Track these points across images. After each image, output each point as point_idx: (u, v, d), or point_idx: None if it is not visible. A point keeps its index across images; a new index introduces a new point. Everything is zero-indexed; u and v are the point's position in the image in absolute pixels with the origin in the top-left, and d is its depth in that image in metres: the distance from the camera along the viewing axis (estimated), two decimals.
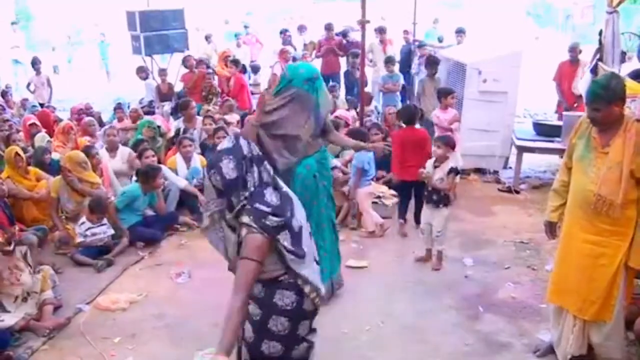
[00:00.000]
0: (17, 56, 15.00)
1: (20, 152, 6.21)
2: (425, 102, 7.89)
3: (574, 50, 8.43)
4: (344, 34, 11.55)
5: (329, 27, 11.20)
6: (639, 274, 4.32)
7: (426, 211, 5.20)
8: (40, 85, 11.06)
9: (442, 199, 5.10)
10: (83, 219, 5.54)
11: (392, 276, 5.00)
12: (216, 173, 2.59)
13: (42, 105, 10.24)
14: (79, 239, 5.47)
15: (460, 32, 10.37)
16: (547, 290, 3.76)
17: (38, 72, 11.16)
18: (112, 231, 5.63)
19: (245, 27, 14.43)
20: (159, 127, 7.73)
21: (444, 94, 6.89)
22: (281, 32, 11.89)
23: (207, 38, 14.24)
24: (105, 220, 5.60)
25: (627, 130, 3.25)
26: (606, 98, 3.22)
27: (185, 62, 10.61)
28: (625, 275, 3.41)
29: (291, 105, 4.06)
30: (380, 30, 10.84)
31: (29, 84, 11.32)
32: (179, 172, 6.63)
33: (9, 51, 14.86)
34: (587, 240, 3.41)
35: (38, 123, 7.86)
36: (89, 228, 5.48)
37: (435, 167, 5.11)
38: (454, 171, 5.05)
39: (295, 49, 11.96)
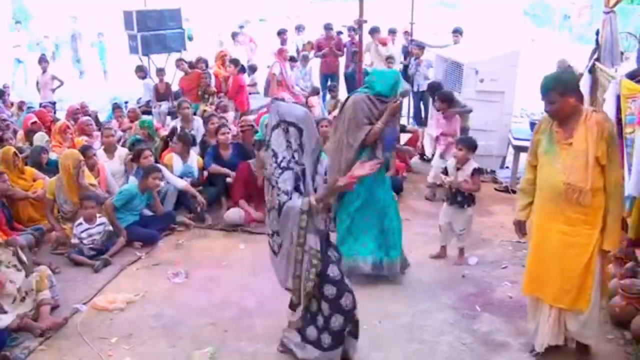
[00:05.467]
0: (19, 55, 15.02)
1: (17, 152, 6.21)
2: None
3: None
4: (353, 29, 11.57)
5: (328, 27, 11.20)
6: (635, 273, 4.37)
7: (448, 211, 5.24)
8: (45, 85, 10.92)
9: (467, 200, 5.15)
10: (80, 219, 5.53)
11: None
12: None
13: (53, 104, 10.26)
14: (74, 240, 5.47)
15: (456, 32, 10.37)
16: (523, 283, 3.84)
17: (44, 70, 10.96)
18: (110, 228, 5.63)
19: (241, 27, 14.42)
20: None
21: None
22: (279, 33, 11.87)
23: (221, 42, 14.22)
24: (102, 220, 5.59)
25: (588, 120, 3.40)
26: (559, 90, 3.38)
27: (177, 66, 10.57)
28: (600, 263, 3.52)
29: None
30: (373, 31, 10.86)
31: (38, 83, 11.21)
32: (175, 170, 6.63)
33: (11, 50, 14.89)
34: (559, 231, 3.51)
35: (39, 122, 7.84)
36: (85, 229, 5.47)
37: (457, 169, 5.16)
38: (477, 172, 5.11)
39: (298, 49, 11.97)
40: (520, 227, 3.90)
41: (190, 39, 14.32)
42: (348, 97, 4.84)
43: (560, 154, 3.47)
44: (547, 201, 3.55)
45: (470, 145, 5.20)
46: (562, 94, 3.38)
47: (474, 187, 5.11)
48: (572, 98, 3.41)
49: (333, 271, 3.49)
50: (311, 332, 3.59)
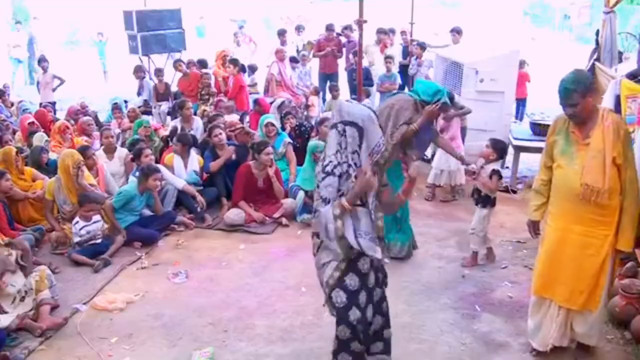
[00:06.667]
0: (19, 55, 14.99)
1: (18, 152, 6.21)
2: None
3: None
4: (346, 28, 11.59)
5: (330, 28, 11.21)
6: (635, 273, 4.37)
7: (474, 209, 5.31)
8: (45, 85, 10.89)
9: (482, 199, 5.17)
10: (77, 218, 5.54)
11: (390, 276, 4.96)
12: None
13: (53, 104, 10.25)
14: (75, 239, 5.47)
15: (455, 31, 10.34)
16: (533, 284, 3.81)
17: (45, 70, 10.95)
18: (105, 225, 5.65)
19: (240, 27, 14.41)
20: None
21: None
22: (279, 34, 11.86)
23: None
24: (98, 217, 5.60)
25: (605, 120, 3.36)
26: (579, 91, 3.33)
27: (176, 68, 10.56)
28: (612, 263, 3.51)
29: None
30: (382, 32, 10.86)
31: (38, 83, 11.18)
32: (176, 170, 6.64)
33: (11, 50, 14.84)
34: (575, 232, 3.50)
35: (37, 122, 7.85)
36: (83, 227, 5.48)
37: (481, 167, 5.21)
38: (496, 173, 5.11)
39: (298, 49, 11.96)
40: (534, 227, 3.87)
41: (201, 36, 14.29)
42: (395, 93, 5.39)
43: (577, 154, 3.44)
44: (564, 202, 3.53)
45: (496, 145, 5.22)
46: (583, 95, 3.33)
47: (490, 186, 5.11)
48: (591, 98, 3.37)
49: (352, 281, 3.20)
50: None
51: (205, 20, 19.76)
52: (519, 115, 10.40)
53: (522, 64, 10.15)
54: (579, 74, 3.42)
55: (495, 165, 5.17)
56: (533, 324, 3.79)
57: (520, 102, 10.39)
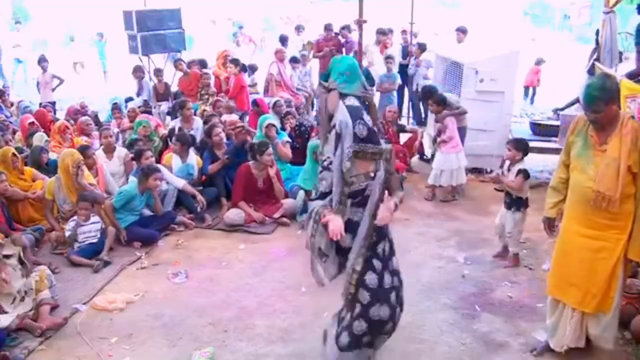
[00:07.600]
0: (19, 55, 15.01)
1: (16, 153, 6.21)
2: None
3: None
4: (344, 28, 11.60)
5: (328, 28, 11.21)
6: (635, 273, 4.37)
7: (502, 211, 5.28)
8: (45, 85, 10.89)
9: (513, 203, 5.14)
10: (74, 217, 5.55)
11: None
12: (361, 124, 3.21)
13: (53, 104, 10.24)
14: (67, 233, 5.47)
15: (459, 30, 10.33)
16: (547, 284, 3.80)
17: (44, 70, 10.94)
18: (102, 225, 5.65)
19: (240, 27, 14.40)
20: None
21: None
22: (282, 41, 11.83)
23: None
24: (97, 218, 5.60)
25: (624, 127, 3.33)
26: (604, 99, 3.29)
27: (176, 67, 10.56)
28: (623, 266, 3.48)
29: None
30: (381, 32, 10.85)
31: (38, 83, 11.17)
32: (175, 169, 6.65)
33: (11, 50, 14.85)
34: (587, 235, 3.48)
35: (37, 122, 7.85)
36: (75, 225, 5.48)
37: (508, 170, 5.21)
38: (521, 173, 5.09)
39: (300, 50, 11.96)
40: (550, 224, 3.85)
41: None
42: None
43: (593, 159, 3.41)
44: (576, 204, 3.52)
45: (518, 146, 5.21)
46: (607, 102, 3.29)
47: (514, 186, 5.08)
48: (615, 105, 3.35)
49: (371, 279, 3.38)
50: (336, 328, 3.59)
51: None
52: (532, 100, 12.18)
53: (539, 61, 11.70)
54: (605, 81, 3.37)
55: (521, 165, 5.15)
56: (551, 324, 3.78)
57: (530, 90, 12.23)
